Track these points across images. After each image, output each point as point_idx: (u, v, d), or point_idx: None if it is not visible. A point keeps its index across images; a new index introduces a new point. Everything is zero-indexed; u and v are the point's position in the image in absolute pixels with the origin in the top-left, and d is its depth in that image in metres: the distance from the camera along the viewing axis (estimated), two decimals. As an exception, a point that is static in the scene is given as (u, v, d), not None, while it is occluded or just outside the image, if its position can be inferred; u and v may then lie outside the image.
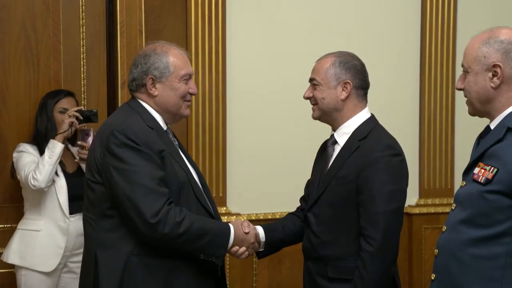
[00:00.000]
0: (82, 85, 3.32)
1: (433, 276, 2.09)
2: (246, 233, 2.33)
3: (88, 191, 2.26)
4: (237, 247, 2.30)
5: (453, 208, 2.05)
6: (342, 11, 3.94)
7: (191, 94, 2.41)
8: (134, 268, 2.17)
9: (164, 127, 2.36)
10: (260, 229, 2.50)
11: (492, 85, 1.96)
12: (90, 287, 2.25)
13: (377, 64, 3.68)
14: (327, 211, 2.21)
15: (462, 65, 2.08)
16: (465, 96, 2.08)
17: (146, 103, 2.33)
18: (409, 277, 3.88)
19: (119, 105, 3.27)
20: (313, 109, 2.20)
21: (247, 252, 2.36)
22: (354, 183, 2.13)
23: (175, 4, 3.52)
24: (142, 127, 2.23)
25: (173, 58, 2.35)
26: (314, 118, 2.24)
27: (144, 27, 3.36)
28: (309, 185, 2.37)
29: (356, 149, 2.19)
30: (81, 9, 3.31)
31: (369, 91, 3.65)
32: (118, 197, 2.15)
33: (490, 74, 1.96)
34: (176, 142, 2.47)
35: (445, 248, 2.03)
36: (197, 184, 2.38)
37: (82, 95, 3.31)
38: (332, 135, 2.26)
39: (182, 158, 2.38)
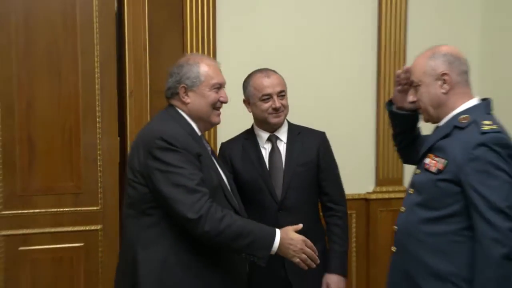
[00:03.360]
0: (96, 94, 3.58)
1: (394, 249, 2.41)
2: (291, 238, 2.33)
3: (130, 189, 2.36)
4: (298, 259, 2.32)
5: (410, 192, 2.36)
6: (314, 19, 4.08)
7: (221, 102, 2.51)
8: (172, 265, 2.29)
9: (199, 133, 2.48)
10: None
11: (443, 91, 2.25)
12: (129, 283, 2.35)
13: (339, 62, 4.13)
14: None
15: (412, 81, 2.35)
16: (419, 106, 2.38)
17: (181, 110, 2.46)
18: (366, 249, 4.18)
19: (128, 111, 3.63)
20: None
21: (301, 255, 2.33)
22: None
23: (173, 26, 3.74)
24: (180, 132, 2.35)
25: (204, 68, 2.45)
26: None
27: (148, 45, 3.60)
28: None
29: None
30: (95, 31, 3.56)
31: (330, 87, 4.09)
32: (162, 197, 2.26)
33: (440, 82, 2.25)
34: (209, 148, 2.59)
35: (403, 226, 2.35)
36: (228, 188, 2.50)
37: (97, 103, 3.57)
38: None
39: (214, 163, 2.51)
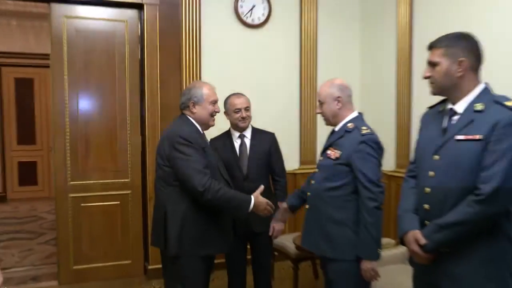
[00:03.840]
0: (127, 109, 4.69)
1: (307, 206, 2.80)
2: (260, 201, 2.77)
3: (159, 170, 2.76)
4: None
5: (317, 171, 2.78)
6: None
7: (216, 112, 2.86)
8: (189, 217, 2.69)
9: (202, 132, 2.82)
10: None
11: (337, 107, 2.66)
12: (162, 230, 2.72)
13: (275, 87, 5.10)
14: None
15: (319, 100, 2.74)
16: (323, 115, 2.77)
17: (190, 117, 2.80)
18: (295, 220, 4.64)
19: (146, 119, 4.64)
20: None
21: (266, 211, 2.81)
22: None
23: (175, 67, 4.70)
24: (193, 133, 2.71)
25: (205, 91, 2.80)
26: None
27: (159, 79, 4.63)
28: None
29: None
30: (127, 69, 4.69)
31: (272, 103, 4.94)
32: (181, 175, 2.64)
33: (335, 102, 2.67)
34: (208, 142, 2.94)
35: (314, 192, 2.74)
36: (223, 168, 2.92)
37: (127, 114, 4.68)
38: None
39: (213, 152, 2.87)
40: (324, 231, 2.66)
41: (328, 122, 2.80)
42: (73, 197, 4.61)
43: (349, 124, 2.69)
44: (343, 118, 2.73)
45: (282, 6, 5.19)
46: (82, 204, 4.64)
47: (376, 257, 2.58)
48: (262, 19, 5.11)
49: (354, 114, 2.76)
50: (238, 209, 2.75)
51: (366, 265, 2.57)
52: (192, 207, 2.67)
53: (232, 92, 3.51)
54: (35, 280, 4.79)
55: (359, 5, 5.53)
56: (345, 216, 2.62)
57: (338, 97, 2.70)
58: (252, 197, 2.76)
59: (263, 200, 2.80)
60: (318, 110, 2.80)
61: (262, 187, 2.87)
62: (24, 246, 6.08)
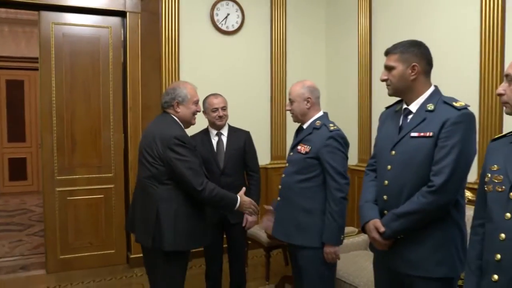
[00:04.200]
0: (111, 109, 4.63)
1: (279, 198, 2.81)
2: (245, 200, 2.75)
3: (151, 168, 2.60)
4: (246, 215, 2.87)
5: (287, 165, 2.79)
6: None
7: (198, 111, 2.78)
8: (181, 214, 2.60)
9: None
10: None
11: (307, 107, 2.70)
12: (153, 227, 2.59)
13: (250, 88, 5.14)
14: None
15: (290, 99, 2.75)
16: (292, 113, 2.78)
17: (174, 116, 2.70)
18: (265, 197, 4.97)
19: (128, 118, 4.57)
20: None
21: (250, 210, 2.79)
22: None
23: (155, 70, 4.69)
24: (184, 133, 2.64)
25: (189, 91, 2.71)
26: None
27: (140, 81, 4.60)
28: None
29: None
30: (110, 72, 4.63)
31: (246, 104, 4.96)
32: (179, 175, 2.54)
33: (305, 102, 2.68)
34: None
35: (285, 185, 2.75)
36: (202, 164, 2.79)
37: (110, 114, 4.62)
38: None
39: (197, 150, 2.78)
40: (295, 220, 2.67)
41: (296, 119, 2.81)
42: (60, 191, 4.56)
43: (317, 122, 2.72)
44: (311, 117, 2.76)
45: (254, 15, 5.25)
46: (69, 198, 4.59)
47: (338, 242, 2.63)
48: (236, 26, 5.15)
49: (321, 113, 2.79)
50: (227, 207, 2.74)
51: (329, 249, 2.61)
52: (183, 204, 2.61)
53: (210, 93, 3.51)
54: (24, 269, 4.73)
55: (324, 16, 5.62)
56: (315, 206, 2.64)
57: (308, 97, 2.72)
58: (239, 196, 2.76)
59: (247, 199, 2.79)
60: (288, 108, 2.80)
61: (244, 188, 2.88)
62: (14, 237, 6.00)
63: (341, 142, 2.63)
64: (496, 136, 1.81)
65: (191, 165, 2.54)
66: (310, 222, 2.65)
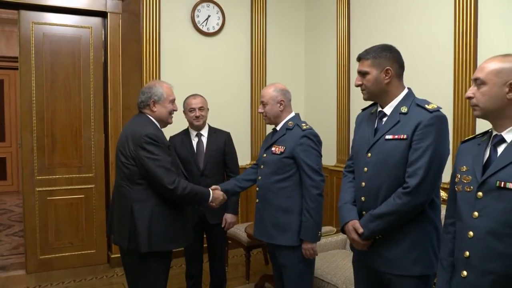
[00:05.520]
0: (91, 109, 4.59)
1: (257, 200, 2.83)
2: (217, 194, 2.80)
3: (124, 168, 2.56)
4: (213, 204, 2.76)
5: (262, 167, 2.81)
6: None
7: (174, 111, 2.74)
8: (156, 214, 2.54)
9: (161, 130, 2.66)
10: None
11: (280, 109, 2.74)
12: (128, 228, 2.52)
13: (230, 90, 5.13)
14: None
15: (262, 101, 2.79)
16: (265, 115, 2.80)
17: (150, 116, 2.66)
18: (246, 198, 5.13)
19: (109, 118, 4.53)
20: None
21: (219, 201, 2.80)
22: None
23: (135, 70, 4.65)
24: (157, 131, 2.58)
25: (165, 89, 2.67)
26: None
27: (121, 81, 4.57)
28: None
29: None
30: (91, 72, 4.57)
31: (225, 103, 4.94)
32: (150, 174, 2.49)
33: (278, 105, 2.74)
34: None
35: (263, 186, 2.77)
36: (180, 164, 2.84)
37: (91, 114, 4.58)
38: None
39: (173, 150, 2.79)
40: (275, 220, 2.69)
41: (270, 121, 2.84)
42: (40, 190, 4.49)
43: (289, 123, 2.75)
44: (284, 119, 2.80)
45: (234, 17, 5.26)
46: (49, 198, 4.53)
47: (316, 239, 2.66)
48: (217, 28, 5.16)
49: (292, 114, 2.82)
50: (200, 202, 2.72)
51: (307, 245, 2.64)
52: (159, 204, 2.55)
53: (190, 94, 3.51)
54: (4, 269, 4.66)
55: (304, 19, 5.65)
56: (293, 205, 2.66)
57: (281, 100, 2.76)
58: (211, 191, 2.76)
59: (220, 194, 2.82)
60: (260, 110, 2.83)
61: (218, 187, 2.89)
62: (-7, 237, 5.89)
63: (314, 140, 2.66)
64: (466, 138, 1.85)
65: (162, 164, 2.50)
66: (289, 221, 2.66)
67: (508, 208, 1.51)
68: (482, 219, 1.57)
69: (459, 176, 1.72)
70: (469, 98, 1.67)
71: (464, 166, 1.71)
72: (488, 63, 1.61)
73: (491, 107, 1.60)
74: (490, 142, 1.66)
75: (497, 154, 1.60)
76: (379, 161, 2.09)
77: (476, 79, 1.64)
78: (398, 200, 1.99)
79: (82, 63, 4.61)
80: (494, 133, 1.66)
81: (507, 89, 1.56)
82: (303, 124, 2.71)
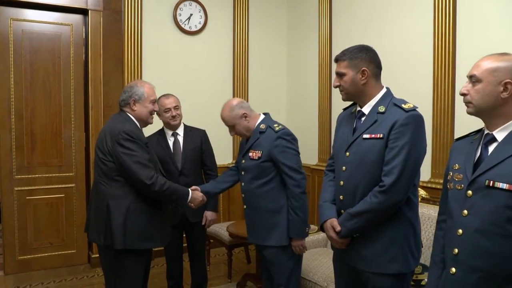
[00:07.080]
0: (72, 107, 4.55)
1: (245, 206, 2.87)
2: (196, 195, 2.83)
3: (101, 165, 2.58)
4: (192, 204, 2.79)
5: (243, 173, 2.83)
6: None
7: (155, 111, 2.78)
8: (132, 211, 2.55)
9: (140, 129, 2.70)
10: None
11: (247, 122, 2.78)
12: (103, 224, 2.54)
13: (210, 88, 5.09)
14: None
15: (228, 126, 2.83)
16: (238, 135, 2.86)
17: (130, 114, 2.68)
18: (228, 196, 5.16)
19: (90, 117, 4.50)
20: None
21: (197, 202, 2.83)
22: None
23: (117, 68, 4.63)
24: (135, 129, 2.60)
25: (146, 89, 2.70)
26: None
27: (102, 79, 4.54)
28: None
29: None
30: (71, 70, 4.54)
31: (204, 102, 4.87)
32: (126, 170, 2.50)
33: (243, 119, 2.78)
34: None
35: (248, 192, 2.82)
36: (159, 164, 2.83)
37: (72, 112, 4.54)
38: None
39: (152, 149, 2.79)
40: (265, 222, 2.74)
41: (245, 136, 2.86)
42: (18, 190, 4.44)
43: (261, 126, 2.78)
44: (254, 126, 2.82)
45: (217, 16, 5.26)
46: (28, 197, 4.48)
47: (305, 235, 2.72)
48: (199, 26, 5.15)
49: (262, 117, 2.84)
50: (179, 200, 2.74)
51: (296, 242, 2.70)
52: (135, 201, 2.56)
53: (171, 92, 3.49)
54: (-19, 270, 4.56)
55: (286, 19, 5.67)
56: (279, 205, 2.71)
57: (244, 113, 2.79)
58: (190, 191, 2.78)
59: (198, 194, 2.84)
60: (232, 133, 2.88)
61: (197, 187, 2.91)
62: (-29, 238, 5.71)
63: (289, 139, 2.68)
64: (460, 136, 1.86)
65: (139, 159, 2.51)
66: (278, 222, 2.71)
67: (497, 207, 1.52)
68: (471, 217, 1.59)
69: (451, 174, 1.73)
70: (463, 94, 1.66)
71: (457, 164, 1.72)
72: (484, 61, 1.62)
73: (485, 105, 1.61)
74: (482, 140, 1.67)
75: (488, 153, 1.62)
76: (356, 160, 2.10)
77: (471, 76, 1.64)
78: (374, 199, 2.01)
79: (63, 61, 4.57)
80: (486, 131, 1.67)
81: (501, 88, 1.57)
82: (275, 125, 2.74)
